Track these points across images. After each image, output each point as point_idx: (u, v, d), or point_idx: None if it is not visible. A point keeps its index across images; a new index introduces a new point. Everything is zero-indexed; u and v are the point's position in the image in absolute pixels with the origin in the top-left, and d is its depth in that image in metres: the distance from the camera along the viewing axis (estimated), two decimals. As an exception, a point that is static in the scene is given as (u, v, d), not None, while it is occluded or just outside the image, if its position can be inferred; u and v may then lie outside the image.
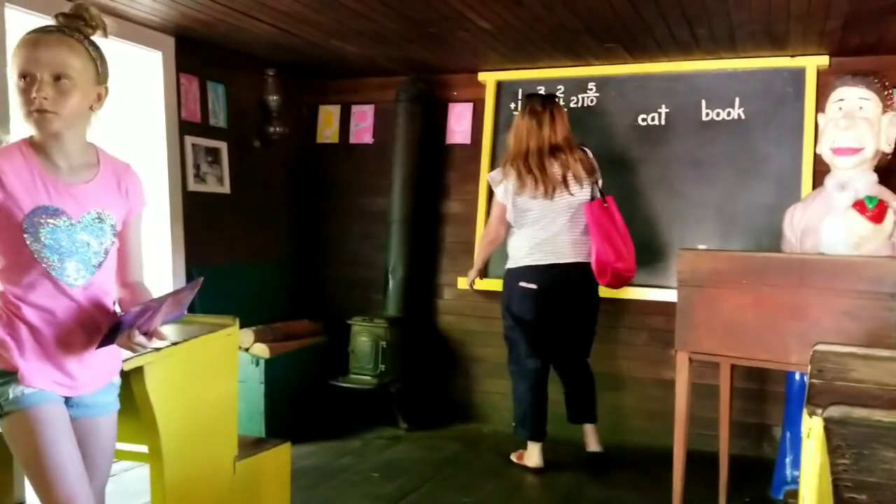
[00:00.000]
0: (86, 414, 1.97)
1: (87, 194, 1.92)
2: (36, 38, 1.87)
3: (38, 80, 1.82)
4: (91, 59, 1.94)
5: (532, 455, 4.22)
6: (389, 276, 5.06)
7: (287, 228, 5.48)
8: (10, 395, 1.82)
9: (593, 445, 4.28)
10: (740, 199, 4.51)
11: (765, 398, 4.46)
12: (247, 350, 4.45)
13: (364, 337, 4.82)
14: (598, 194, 4.15)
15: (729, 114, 4.55)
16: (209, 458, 2.63)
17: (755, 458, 4.33)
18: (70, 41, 1.89)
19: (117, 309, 2.03)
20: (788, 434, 3.72)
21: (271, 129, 5.12)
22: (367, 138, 5.45)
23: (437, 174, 5.24)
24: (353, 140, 5.49)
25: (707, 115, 4.60)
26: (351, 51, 4.66)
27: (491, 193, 5.02)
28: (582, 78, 4.86)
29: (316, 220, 5.56)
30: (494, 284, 4.97)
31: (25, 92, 1.83)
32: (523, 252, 4.13)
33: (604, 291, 4.66)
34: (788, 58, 4.40)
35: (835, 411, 1.42)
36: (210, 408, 2.64)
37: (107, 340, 1.83)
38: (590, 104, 4.86)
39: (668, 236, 4.63)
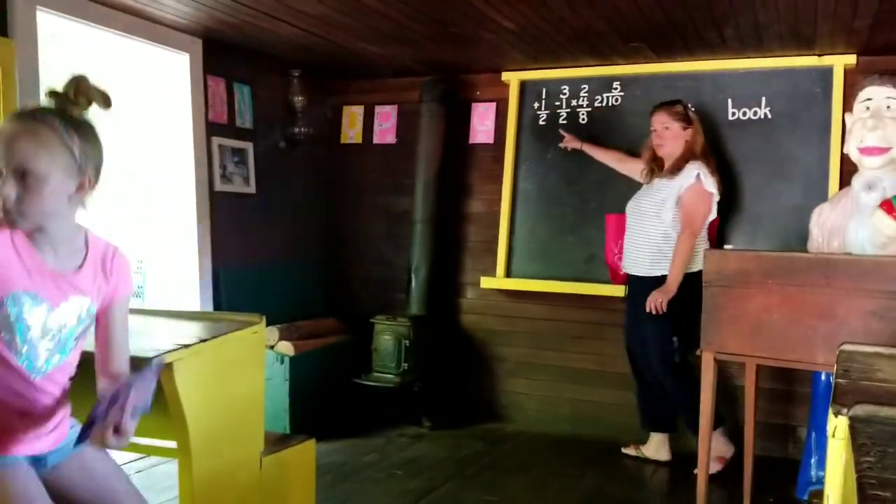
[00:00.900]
0: (61, 458, 1.93)
1: (71, 282, 1.83)
2: (4, 131, 1.72)
3: (2, 178, 1.68)
4: (66, 150, 1.74)
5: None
6: (412, 275, 5.08)
7: (311, 228, 5.51)
8: None
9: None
10: (767, 198, 4.48)
11: (790, 399, 4.43)
12: (272, 348, 4.49)
13: (387, 335, 4.84)
14: None
15: (756, 113, 4.52)
16: (236, 453, 2.66)
17: (780, 459, 4.30)
18: (40, 131, 1.72)
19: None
20: (814, 435, 3.70)
21: (296, 130, 5.16)
22: (391, 138, 5.48)
23: (460, 174, 5.25)
24: (376, 140, 5.51)
25: (733, 114, 4.57)
26: (375, 52, 4.68)
27: (514, 194, 5.04)
28: (606, 77, 4.85)
29: (340, 219, 5.60)
30: (517, 284, 4.98)
31: None
32: (698, 256, 3.95)
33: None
34: (816, 57, 4.37)
35: (860, 410, 1.42)
36: (237, 404, 2.66)
37: (83, 436, 1.71)
38: (614, 104, 4.85)
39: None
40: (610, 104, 4.86)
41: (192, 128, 4.46)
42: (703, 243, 4.04)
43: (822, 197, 4.15)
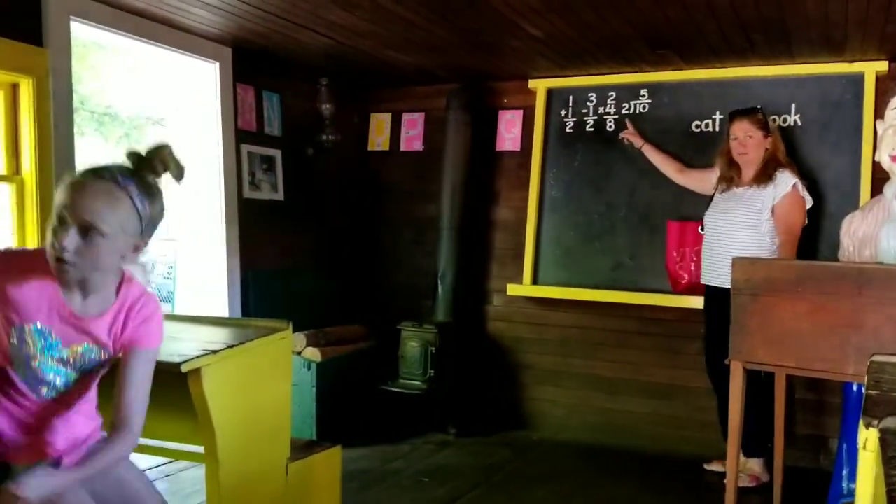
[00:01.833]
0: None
1: (87, 327, 1.86)
2: (81, 183, 1.76)
3: (67, 228, 1.72)
4: (135, 215, 1.79)
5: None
6: (439, 281, 5.09)
7: (339, 234, 5.54)
8: None
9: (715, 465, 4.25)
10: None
11: (822, 409, 4.37)
12: (299, 354, 4.52)
13: (413, 342, 4.85)
14: None
15: (785, 120, 4.48)
16: (263, 459, 2.67)
17: (811, 470, 4.25)
18: (115, 193, 1.76)
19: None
20: (845, 446, 3.65)
21: (324, 137, 5.19)
22: (418, 145, 5.49)
23: (486, 181, 5.26)
24: (403, 147, 5.54)
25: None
26: (402, 60, 4.70)
27: (541, 201, 5.04)
28: (634, 84, 4.84)
29: (367, 226, 5.62)
30: (544, 291, 4.97)
31: (54, 234, 1.74)
32: None
33: (655, 299, 4.65)
34: (846, 63, 4.32)
35: (891, 422, 1.40)
36: (264, 410, 2.68)
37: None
38: (642, 111, 4.83)
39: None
40: (637, 111, 4.84)
41: (221, 135, 4.50)
42: None
43: (853, 205, 4.10)
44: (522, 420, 5.12)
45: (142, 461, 3.99)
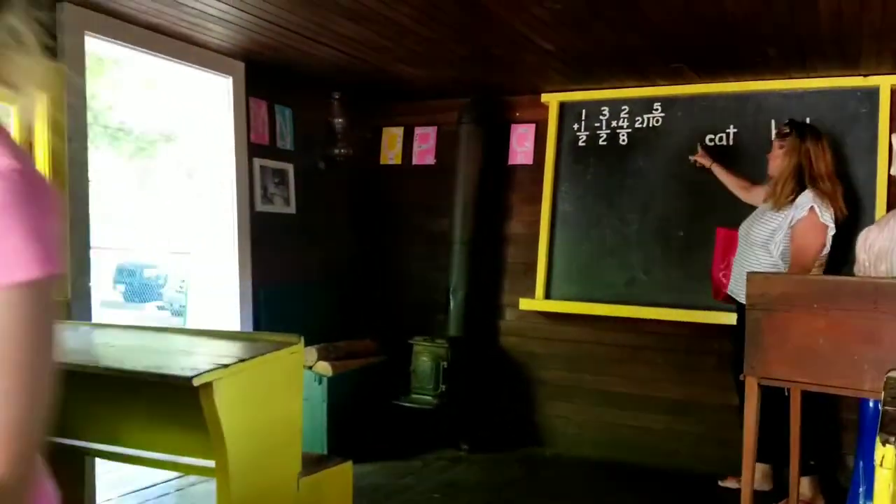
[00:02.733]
0: None
1: None
2: None
3: None
4: None
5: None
6: (451, 296, 5.07)
7: (351, 248, 5.54)
8: None
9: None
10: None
11: (838, 426, 4.32)
12: (310, 368, 4.51)
13: (425, 357, 4.84)
14: None
15: (799, 134, 4.45)
16: (274, 473, 2.66)
17: (828, 487, 4.19)
18: None
19: None
20: (862, 463, 3.60)
21: (336, 151, 5.20)
22: (430, 159, 5.50)
23: (499, 195, 5.25)
24: (415, 161, 5.54)
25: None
26: (415, 74, 4.71)
27: (554, 215, 5.02)
28: (647, 98, 4.83)
29: (379, 240, 5.62)
30: (557, 306, 4.95)
31: None
32: None
33: (669, 314, 4.62)
34: (861, 77, 4.30)
35: (911, 440, 1.38)
36: (276, 424, 2.67)
37: None
38: (655, 125, 4.82)
39: (735, 259, 4.55)
40: (650, 125, 4.83)
41: (234, 149, 4.52)
42: None
43: (869, 219, 4.07)
44: (535, 436, 5.09)
45: (152, 475, 4.00)
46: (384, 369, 4.97)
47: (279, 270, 4.82)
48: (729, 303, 4.25)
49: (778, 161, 3.97)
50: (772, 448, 3.93)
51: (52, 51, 3.52)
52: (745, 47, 3.91)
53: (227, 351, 2.64)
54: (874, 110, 4.29)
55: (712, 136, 4.66)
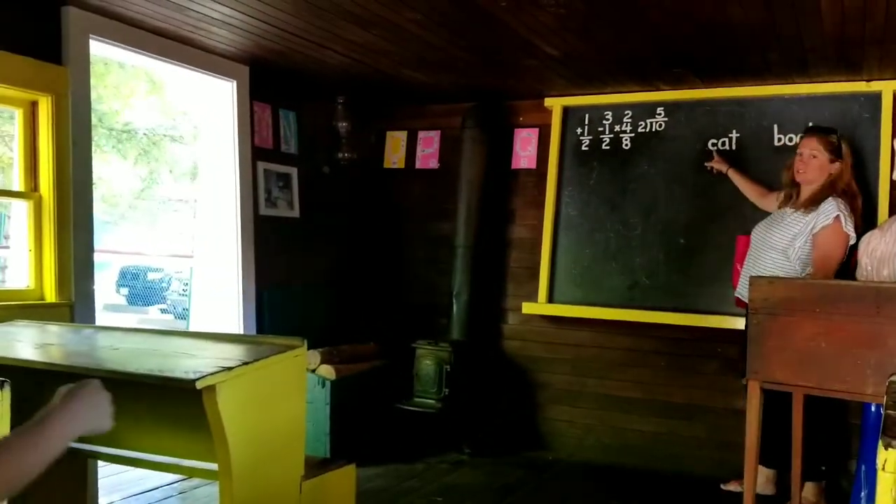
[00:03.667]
0: None
1: None
2: None
3: None
4: None
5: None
6: (454, 300, 5.08)
7: (354, 252, 5.55)
8: None
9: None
10: (814, 225, 4.40)
11: (840, 430, 4.32)
12: (313, 371, 4.51)
13: (428, 360, 4.84)
14: None
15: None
16: (277, 476, 2.66)
17: (830, 491, 4.19)
18: None
19: None
20: (864, 467, 3.60)
21: (340, 155, 5.22)
22: (433, 163, 5.50)
23: (502, 199, 5.25)
24: (419, 165, 5.55)
25: (779, 140, 4.52)
26: (419, 78, 4.72)
27: (557, 219, 5.02)
28: (650, 103, 4.83)
29: (382, 244, 5.63)
30: (560, 310, 4.95)
31: None
32: None
33: (672, 318, 4.62)
34: (864, 82, 4.30)
35: (912, 444, 1.38)
36: (278, 427, 2.67)
37: None
38: (658, 129, 4.82)
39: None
40: (654, 130, 4.83)
41: (238, 153, 4.53)
42: None
43: (871, 224, 4.07)
44: (537, 440, 5.09)
45: (155, 478, 4.01)
46: (387, 373, 4.98)
47: (282, 274, 4.83)
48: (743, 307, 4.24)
49: (818, 171, 3.86)
50: (776, 452, 3.92)
51: (56, 54, 3.54)
52: (748, 52, 3.91)
53: (231, 354, 2.65)
54: (876, 115, 4.29)
55: (715, 141, 4.67)
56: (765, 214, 4.18)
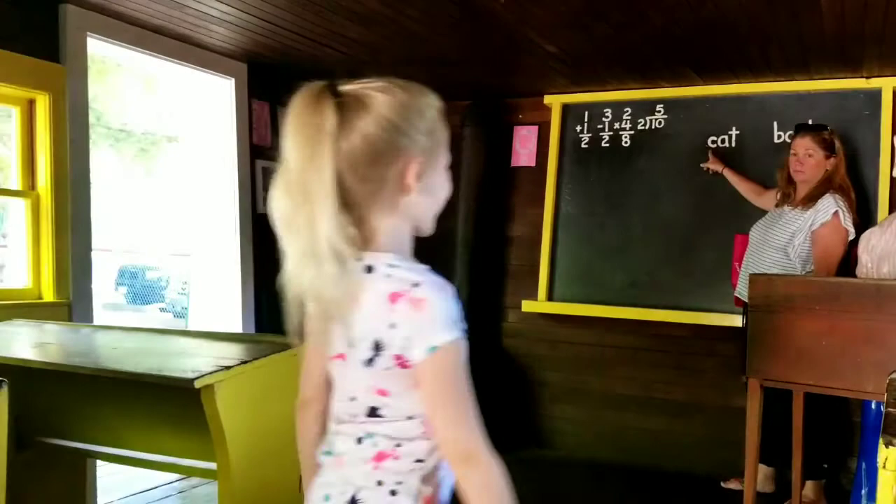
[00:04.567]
0: None
1: None
2: None
3: None
4: None
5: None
6: (454, 298, 5.06)
7: (353, 250, 5.54)
8: None
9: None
10: (813, 222, 4.39)
11: (840, 427, 4.31)
12: (313, 370, 4.50)
13: (428, 359, 4.83)
14: None
15: (802, 136, 4.45)
16: (276, 475, 2.66)
17: (830, 489, 4.19)
18: None
19: None
20: (864, 465, 3.60)
21: (339, 153, 5.20)
22: (433, 161, 5.48)
23: (501, 197, 5.25)
24: (418, 163, 5.52)
25: (779, 137, 4.51)
26: (418, 76, 4.70)
27: (557, 217, 5.02)
28: (650, 100, 4.82)
29: (381, 242, 5.61)
30: (560, 308, 4.95)
31: None
32: None
33: (672, 316, 4.62)
34: (864, 79, 4.29)
35: (915, 442, 1.37)
36: (277, 426, 2.67)
37: None
38: (658, 126, 4.82)
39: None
40: (653, 127, 4.83)
41: (236, 151, 4.52)
42: None
43: (871, 221, 4.07)
44: (537, 438, 5.09)
45: (154, 478, 4.00)
46: (386, 371, 4.96)
47: (281, 273, 4.81)
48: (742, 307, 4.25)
49: (815, 169, 3.85)
50: (776, 450, 3.92)
51: (54, 52, 3.53)
52: (748, 49, 3.90)
53: (229, 353, 2.64)
54: (876, 112, 4.28)
55: (715, 138, 4.66)
56: (764, 212, 4.17)
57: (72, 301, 3.59)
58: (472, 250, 5.09)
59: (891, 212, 3.99)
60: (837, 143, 3.91)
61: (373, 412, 1.32)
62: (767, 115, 4.54)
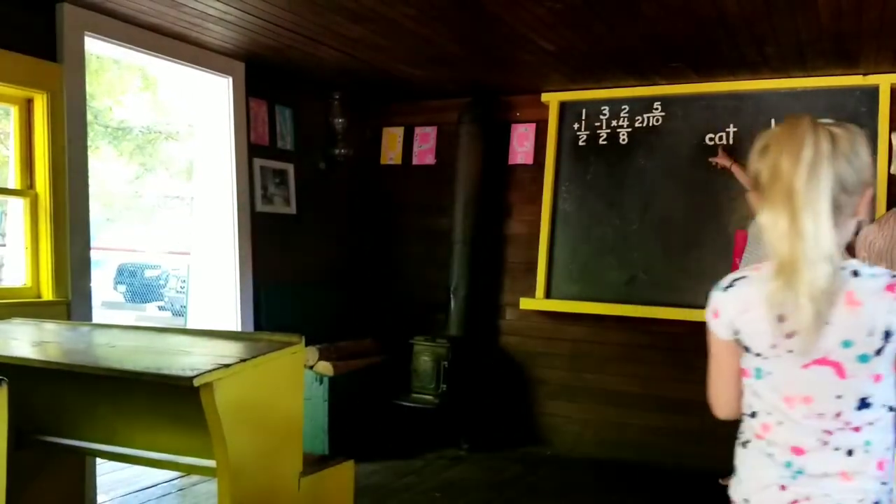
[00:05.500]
0: None
1: None
2: None
3: None
4: None
5: None
6: (452, 296, 5.07)
7: (351, 248, 5.54)
8: None
9: None
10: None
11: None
12: (311, 368, 4.51)
13: (426, 356, 4.84)
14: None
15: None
16: (275, 473, 2.66)
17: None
18: None
19: None
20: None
21: (337, 152, 5.20)
22: (430, 159, 5.50)
23: (499, 195, 5.25)
24: (415, 161, 5.54)
25: (776, 134, 4.51)
26: (415, 74, 4.71)
27: (554, 215, 5.02)
28: (647, 97, 4.83)
29: (379, 240, 5.62)
30: (557, 305, 4.95)
31: None
32: None
33: (669, 313, 4.62)
34: (861, 76, 4.30)
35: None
36: (276, 424, 2.67)
37: None
38: (655, 124, 4.82)
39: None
40: (650, 124, 4.83)
41: (234, 149, 4.52)
42: None
43: (869, 218, 4.07)
44: (535, 435, 5.09)
45: (154, 475, 4.01)
46: (385, 369, 4.97)
47: (280, 270, 4.82)
48: None
49: None
50: None
51: (51, 51, 3.53)
52: (745, 46, 3.90)
53: (228, 351, 2.64)
54: (874, 109, 4.29)
55: (712, 136, 4.66)
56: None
57: (71, 300, 3.59)
58: (470, 248, 5.09)
59: (888, 208, 3.99)
60: None
61: (863, 403, 1.41)
62: (765, 112, 4.54)
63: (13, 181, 3.53)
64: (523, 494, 4.14)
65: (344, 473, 3.03)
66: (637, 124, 4.85)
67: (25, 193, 3.51)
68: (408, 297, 5.50)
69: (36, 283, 3.53)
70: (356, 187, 5.57)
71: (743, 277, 1.60)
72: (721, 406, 1.84)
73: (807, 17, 3.41)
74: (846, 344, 1.39)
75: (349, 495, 3.08)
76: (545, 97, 5.07)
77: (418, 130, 5.54)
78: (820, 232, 1.37)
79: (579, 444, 4.93)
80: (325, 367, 4.53)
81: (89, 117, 3.85)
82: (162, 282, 14.08)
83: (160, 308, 13.90)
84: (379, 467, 4.45)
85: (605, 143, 4.94)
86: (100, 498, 3.71)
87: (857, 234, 3.70)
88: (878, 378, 1.40)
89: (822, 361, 1.42)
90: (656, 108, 4.82)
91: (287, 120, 4.92)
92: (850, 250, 1.53)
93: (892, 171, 3.68)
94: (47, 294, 3.54)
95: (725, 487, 4.19)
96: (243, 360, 2.46)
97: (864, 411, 1.41)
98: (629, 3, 3.34)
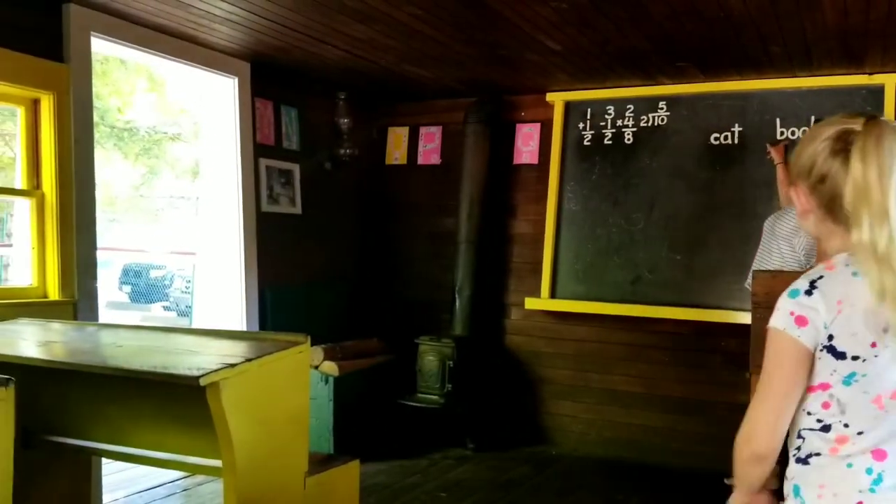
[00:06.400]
0: None
1: None
2: None
3: None
4: None
5: None
6: (457, 295, 5.08)
7: (356, 248, 5.55)
8: None
9: None
10: (816, 219, 4.39)
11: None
12: (317, 368, 4.51)
13: (431, 356, 4.84)
14: None
15: (805, 133, 4.44)
16: (281, 473, 2.67)
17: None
18: None
19: None
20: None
21: (342, 151, 5.21)
22: (435, 159, 5.50)
23: (504, 194, 5.25)
24: (421, 161, 5.54)
25: (782, 133, 4.51)
26: (420, 74, 4.72)
27: (559, 215, 5.02)
28: (652, 97, 4.82)
29: (385, 240, 5.62)
30: (562, 305, 4.95)
31: None
32: None
33: (675, 313, 4.62)
34: (866, 75, 4.29)
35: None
36: (282, 424, 2.68)
37: None
38: (660, 123, 4.81)
39: (741, 258, 4.54)
40: (656, 124, 4.83)
41: (239, 149, 4.52)
42: None
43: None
44: (541, 435, 5.09)
45: (159, 475, 4.01)
46: (390, 369, 4.98)
47: (285, 270, 4.82)
48: None
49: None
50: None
51: (58, 51, 3.53)
52: (750, 46, 3.90)
53: (234, 351, 2.65)
54: (879, 108, 4.28)
55: (717, 135, 4.66)
56: (764, 211, 4.17)
57: (77, 300, 3.60)
58: (475, 248, 5.09)
59: (894, 208, 3.98)
60: None
61: None
62: (770, 111, 4.53)
63: (20, 182, 3.54)
64: (529, 494, 4.14)
65: (349, 473, 3.04)
66: (642, 124, 4.85)
67: (32, 194, 3.52)
68: (413, 296, 5.51)
69: (42, 284, 3.54)
70: (361, 187, 5.57)
71: (820, 277, 1.48)
72: (768, 435, 1.55)
73: (813, 16, 3.41)
74: None
75: (355, 495, 3.08)
76: (550, 97, 5.07)
77: (423, 130, 5.55)
78: None
79: (584, 444, 4.93)
80: (331, 367, 4.53)
81: (95, 118, 3.86)
82: (167, 282, 14.11)
83: (165, 308, 13.92)
84: (384, 467, 4.46)
85: (610, 142, 4.94)
86: (105, 497, 3.72)
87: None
88: None
89: None
90: (661, 108, 4.82)
91: (293, 120, 4.93)
92: None
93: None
94: (54, 294, 3.55)
95: (731, 487, 4.16)
96: (249, 360, 2.46)
97: None
98: (636, 3, 3.34)
